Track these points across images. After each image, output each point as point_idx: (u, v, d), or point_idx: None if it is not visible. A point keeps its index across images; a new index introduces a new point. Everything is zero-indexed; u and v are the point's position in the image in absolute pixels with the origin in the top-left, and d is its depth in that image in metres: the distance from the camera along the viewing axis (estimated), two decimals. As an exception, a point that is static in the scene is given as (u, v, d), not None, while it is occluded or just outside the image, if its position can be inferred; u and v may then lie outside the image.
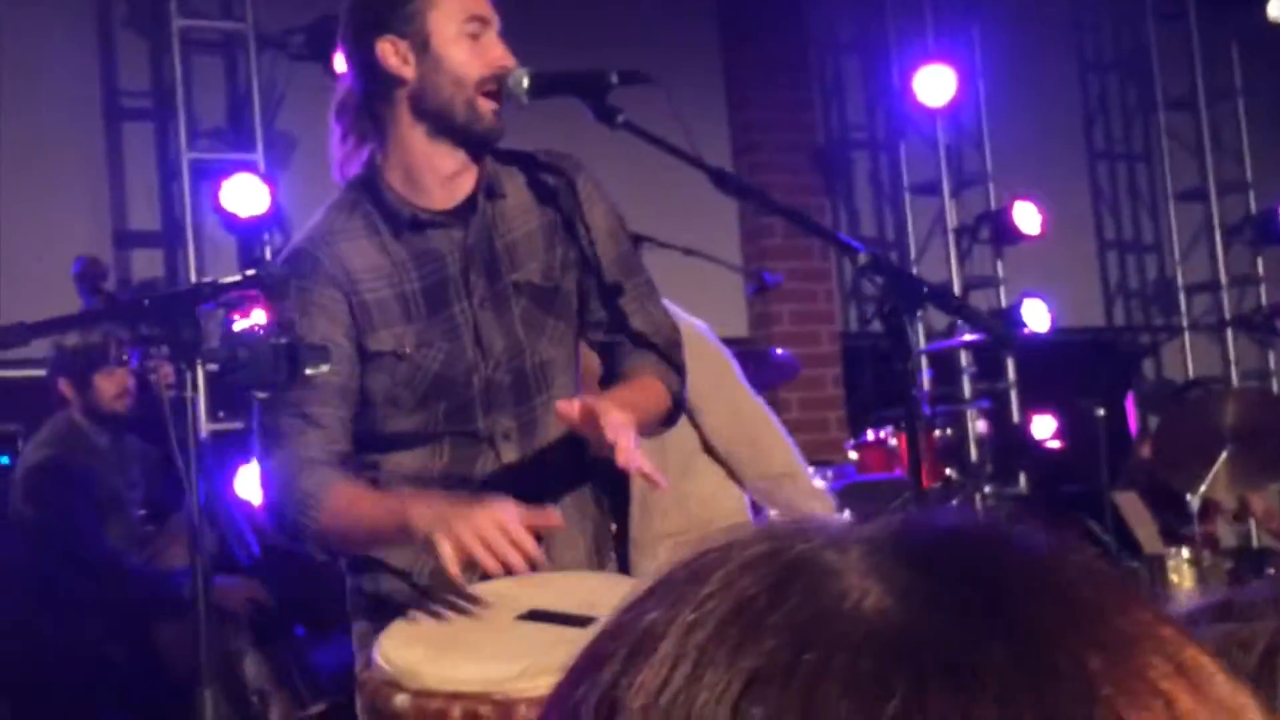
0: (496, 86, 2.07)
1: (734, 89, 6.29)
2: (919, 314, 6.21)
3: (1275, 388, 6.88)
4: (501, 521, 1.81)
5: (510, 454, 2.12)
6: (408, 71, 2.07)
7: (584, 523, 2.19)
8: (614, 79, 2.01)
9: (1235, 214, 7.14)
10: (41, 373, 4.16)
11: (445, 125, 2.09)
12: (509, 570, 1.82)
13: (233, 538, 4.12)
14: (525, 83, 2.05)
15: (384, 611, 2.06)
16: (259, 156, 5.17)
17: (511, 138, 2.19)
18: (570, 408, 1.90)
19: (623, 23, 5.74)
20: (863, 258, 1.86)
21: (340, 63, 2.20)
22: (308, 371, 1.79)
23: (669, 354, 2.19)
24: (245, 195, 4.95)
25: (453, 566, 1.81)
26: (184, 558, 4.05)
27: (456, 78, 2.06)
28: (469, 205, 2.13)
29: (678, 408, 2.21)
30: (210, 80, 5.36)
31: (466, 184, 2.14)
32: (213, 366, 1.71)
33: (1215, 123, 7.14)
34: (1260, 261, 7.11)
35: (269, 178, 5.05)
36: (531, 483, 2.09)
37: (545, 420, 2.14)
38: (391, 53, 2.07)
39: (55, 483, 3.84)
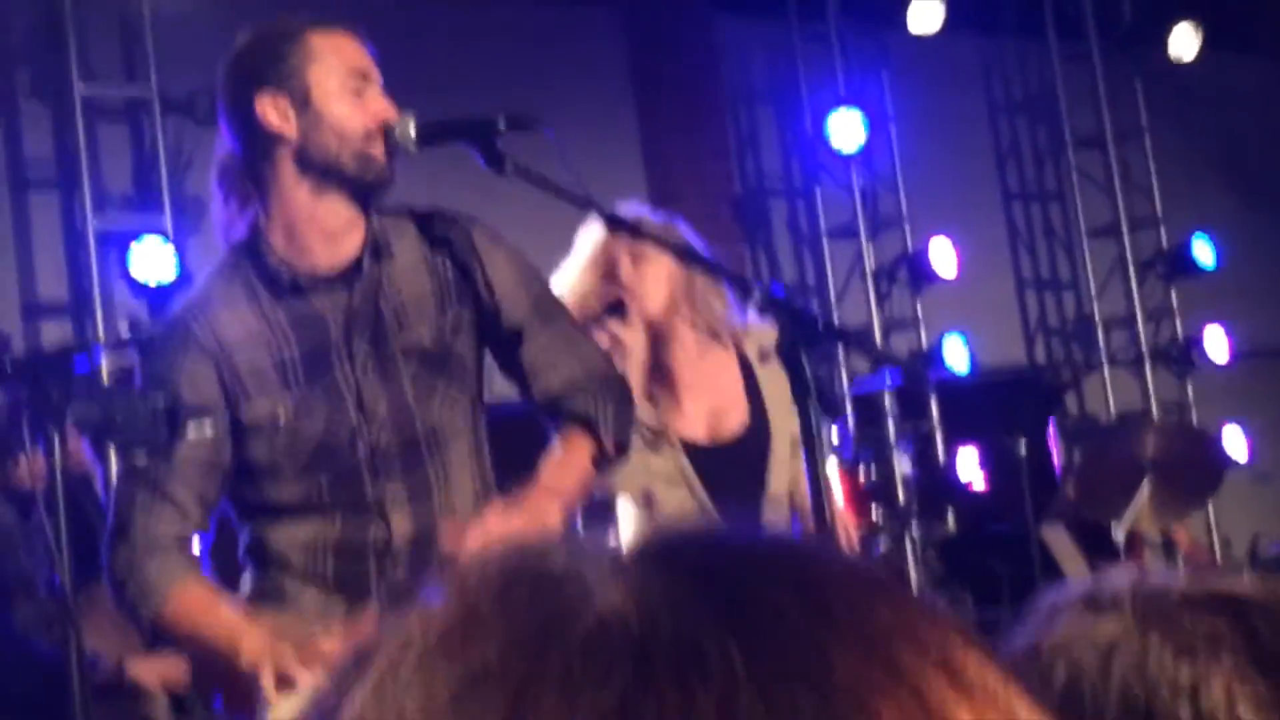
0: (383, 139, 2.04)
1: (650, 140, 6.31)
2: (840, 354, 6.17)
3: (1194, 419, 6.95)
4: (322, 650, 1.85)
5: (402, 521, 2.06)
6: (288, 128, 2.03)
7: None
8: (501, 125, 1.99)
9: (1147, 249, 7.25)
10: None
11: (333, 177, 2.05)
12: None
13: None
14: (412, 131, 2.03)
15: None
16: (167, 222, 5.10)
17: (412, 191, 2.16)
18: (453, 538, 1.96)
19: (536, 75, 5.74)
20: (757, 294, 1.84)
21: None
22: (190, 435, 1.74)
23: (603, 396, 2.15)
24: (153, 262, 4.87)
25: (272, 696, 1.83)
26: (100, 636, 3.95)
27: (340, 132, 2.03)
28: (355, 267, 2.09)
29: (607, 455, 2.18)
30: (115, 147, 5.28)
31: (353, 243, 2.09)
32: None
33: (1124, 160, 7.26)
34: (1174, 294, 7.21)
35: (178, 244, 4.98)
36: (427, 552, 2.05)
37: (440, 486, 2.10)
38: (271, 109, 2.03)
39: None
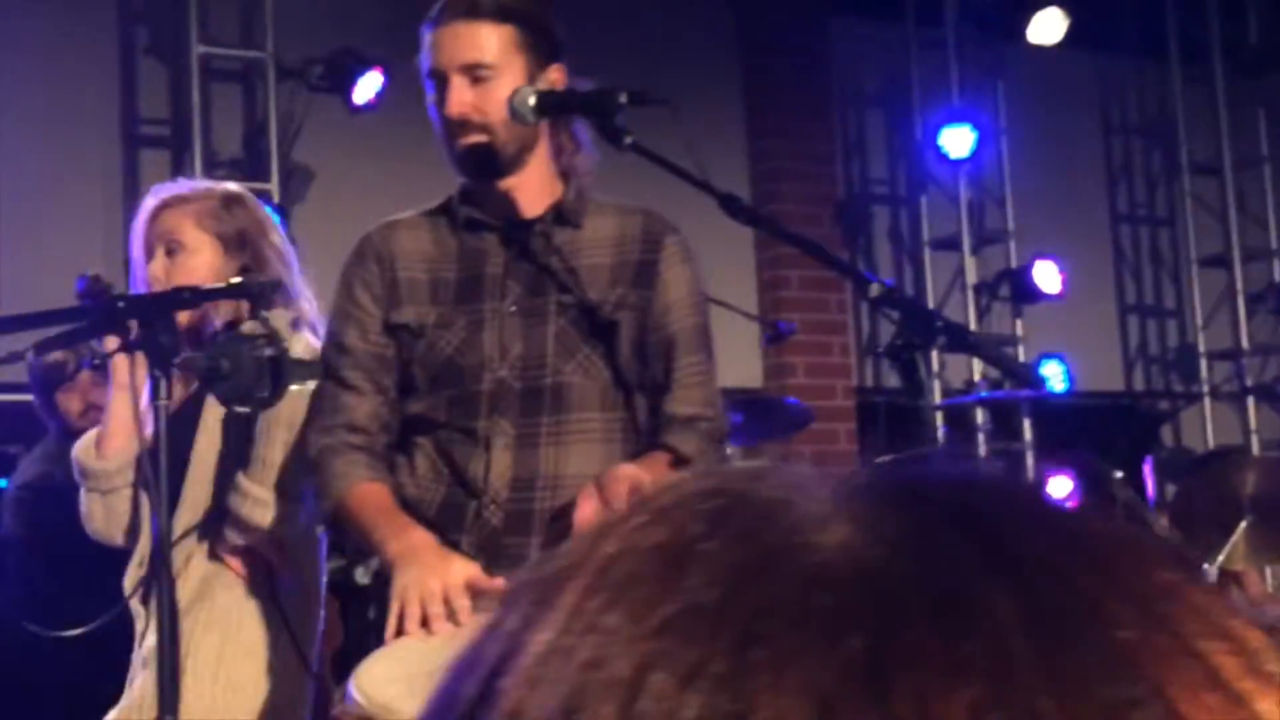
0: (477, 132, 2.09)
1: (756, 139, 6.26)
2: (935, 366, 6.08)
3: (1296, 459, 6.76)
4: (448, 590, 1.88)
5: (502, 462, 2.09)
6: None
7: None
8: (623, 99, 1.97)
9: (1258, 281, 7.06)
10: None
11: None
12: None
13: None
14: (532, 101, 2.01)
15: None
16: (274, 187, 5.14)
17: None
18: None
19: (646, 71, 5.71)
20: (875, 288, 1.79)
21: None
22: (293, 387, 1.73)
23: (710, 444, 2.16)
24: (258, 225, 4.90)
25: (391, 630, 1.86)
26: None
27: (437, 130, 2.15)
28: (531, 223, 2.17)
29: None
30: (228, 109, 5.34)
31: (524, 206, 2.18)
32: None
33: (1240, 189, 7.07)
34: (1284, 330, 7.03)
35: (282, 209, 5.01)
36: (523, 503, 2.07)
37: (550, 444, 2.10)
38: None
39: (37, 502, 3.76)
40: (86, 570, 3.84)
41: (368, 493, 2.08)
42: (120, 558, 3.77)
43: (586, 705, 0.34)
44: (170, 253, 2.47)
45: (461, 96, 2.07)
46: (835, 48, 6.37)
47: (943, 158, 6.27)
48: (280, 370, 1.67)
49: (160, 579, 1.68)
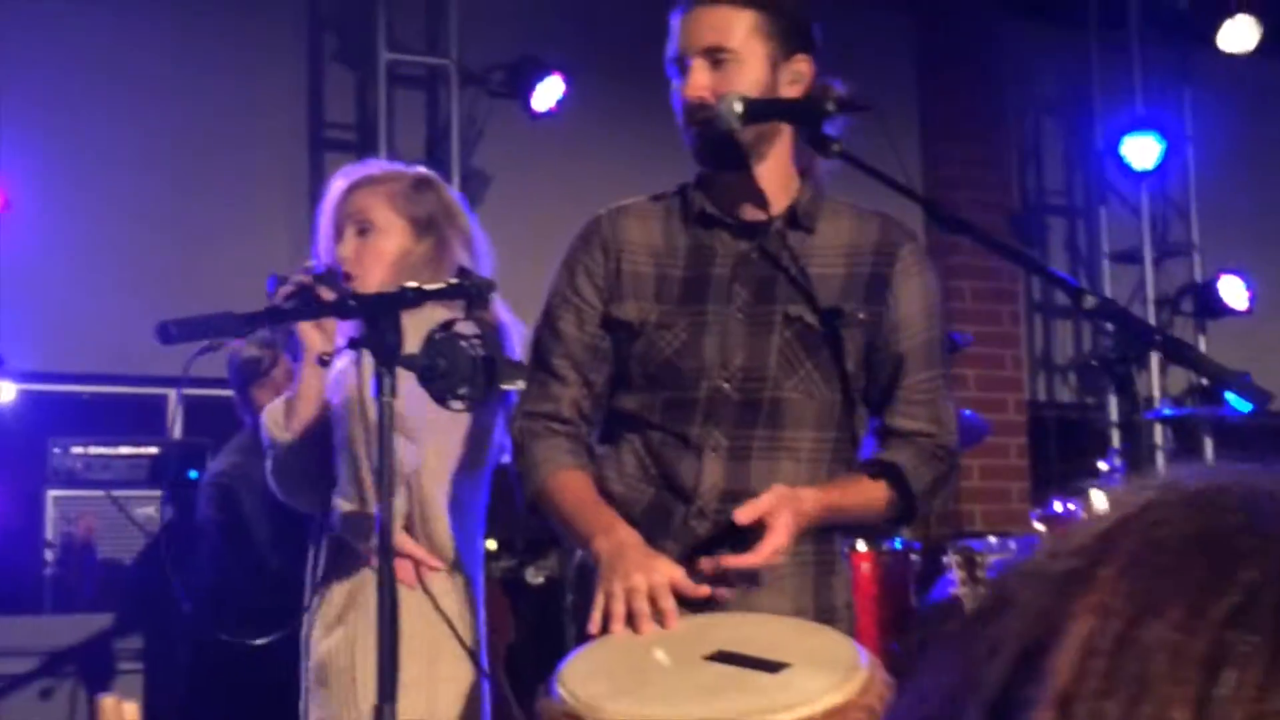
0: (706, 116, 2.03)
1: (929, 147, 6.19)
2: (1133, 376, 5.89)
3: None
4: (654, 589, 1.85)
5: (714, 473, 2.06)
6: None
7: (793, 571, 2.06)
8: (830, 106, 1.95)
9: None
10: (228, 392, 4.23)
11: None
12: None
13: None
14: (738, 108, 2.00)
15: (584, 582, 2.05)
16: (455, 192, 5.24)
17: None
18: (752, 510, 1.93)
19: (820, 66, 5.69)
20: (1090, 300, 1.75)
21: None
22: (504, 386, 1.76)
23: (928, 459, 2.10)
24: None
25: (595, 624, 1.85)
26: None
27: (678, 119, 2.09)
28: (763, 224, 2.12)
29: (900, 512, 2.11)
30: (412, 114, 5.46)
31: (760, 200, 2.13)
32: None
33: None
34: None
35: (462, 213, 5.11)
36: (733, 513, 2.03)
37: (761, 458, 2.07)
38: None
39: (231, 490, 3.89)
40: (274, 559, 3.96)
41: (570, 480, 2.07)
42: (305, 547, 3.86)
43: (1157, 688, 0.35)
44: (362, 232, 2.44)
45: (700, 79, 2.03)
46: (1012, 53, 6.27)
47: (1123, 167, 6.11)
48: (492, 370, 1.71)
49: (382, 570, 1.72)
